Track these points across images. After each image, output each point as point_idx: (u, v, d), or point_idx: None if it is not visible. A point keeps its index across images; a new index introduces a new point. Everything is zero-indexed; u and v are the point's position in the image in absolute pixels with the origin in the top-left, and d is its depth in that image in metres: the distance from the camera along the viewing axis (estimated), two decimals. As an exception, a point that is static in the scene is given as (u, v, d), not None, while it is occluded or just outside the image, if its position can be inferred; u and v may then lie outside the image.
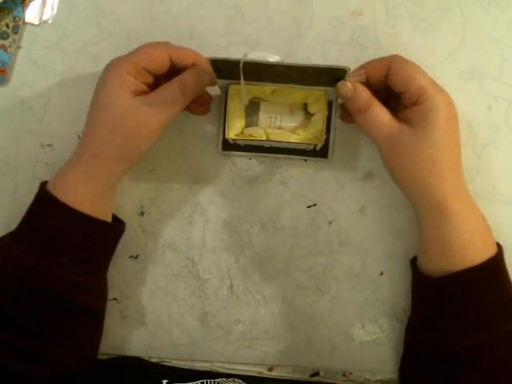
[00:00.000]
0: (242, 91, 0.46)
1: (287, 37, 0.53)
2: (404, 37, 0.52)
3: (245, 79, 0.44)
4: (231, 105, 0.49)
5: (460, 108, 0.50)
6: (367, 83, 0.45)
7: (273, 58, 0.43)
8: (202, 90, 0.48)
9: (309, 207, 0.53)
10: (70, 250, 0.44)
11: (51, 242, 0.44)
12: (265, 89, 0.49)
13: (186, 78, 0.45)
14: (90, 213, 0.44)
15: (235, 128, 0.49)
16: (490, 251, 0.44)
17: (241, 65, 0.41)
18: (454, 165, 0.44)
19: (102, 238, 0.47)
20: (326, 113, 0.49)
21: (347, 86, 0.44)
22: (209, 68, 0.43)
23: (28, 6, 0.54)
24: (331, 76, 0.44)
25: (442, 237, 0.44)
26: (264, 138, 0.49)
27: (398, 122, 0.44)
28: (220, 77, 0.45)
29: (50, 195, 0.44)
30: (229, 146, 0.51)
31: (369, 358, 0.53)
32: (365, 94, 0.44)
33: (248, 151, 0.52)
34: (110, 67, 0.45)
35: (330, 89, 0.46)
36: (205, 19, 0.53)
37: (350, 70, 0.42)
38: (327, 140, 0.50)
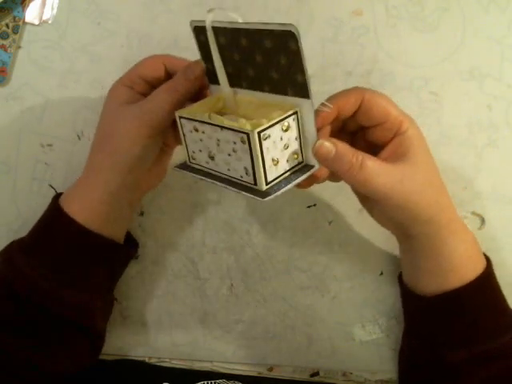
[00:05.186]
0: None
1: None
2: (404, 37, 0.52)
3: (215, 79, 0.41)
4: (204, 100, 0.44)
5: (460, 108, 0.50)
6: (336, 121, 0.42)
7: (236, 19, 0.40)
8: (191, 88, 0.43)
9: (309, 207, 0.53)
10: (77, 268, 0.44)
11: (60, 258, 0.44)
12: (241, 101, 0.43)
13: (173, 78, 0.43)
14: (100, 232, 0.44)
15: (188, 110, 0.43)
16: (481, 265, 0.44)
17: (208, 26, 0.39)
18: (444, 185, 0.44)
19: (111, 258, 0.46)
20: (285, 122, 0.39)
21: (326, 146, 0.39)
22: (199, 69, 0.42)
23: (28, 5, 0.54)
24: (287, 54, 0.37)
25: (446, 256, 0.43)
26: (205, 118, 0.40)
27: (388, 162, 0.41)
28: (212, 81, 0.43)
29: (62, 211, 0.44)
30: (185, 166, 0.45)
31: (369, 357, 0.53)
32: (351, 151, 0.39)
33: (197, 174, 0.43)
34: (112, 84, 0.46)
35: (301, 102, 0.39)
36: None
37: (298, 33, 0.35)
38: (280, 186, 0.40)
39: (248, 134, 0.37)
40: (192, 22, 0.42)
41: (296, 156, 0.41)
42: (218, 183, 0.41)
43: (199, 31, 0.42)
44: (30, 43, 0.54)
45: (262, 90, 0.41)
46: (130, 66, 0.46)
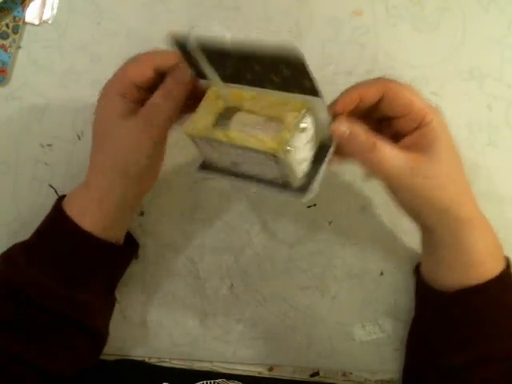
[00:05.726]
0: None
1: (287, 37, 0.53)
2: (404, 37, 0.52)
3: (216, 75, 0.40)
4: (203, 104, 0.42)
5: (460, 108, 0.50)
6: (358, 109, 0.42)
7: (221, 32, 0.38)
8: (185, 90, 0.43)
9: (309, 207, 0.53)
10: (79, 269, 0.44)
11: (61, 260, 0.44)
12: (243, 95, 0.42)
13: (166, 82, 0.43)
14: (102, 236, 0.44)
15: (197, 125, 0.42)
16: (502, 264, 0.44)
17: (191, 41, 0.37)
18: (467, 181, 0.44)
19: (112, 260, 0.47)
20: (302, 124, 0.39)
21: (341, 126, 0.40)
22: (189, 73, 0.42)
23: (28, 5, 0.54)
24: (290, 69, 0.36)
25: (466, 251, 0.43)
26: (223, 138, 0.40)
27: (406, 151, 0.41)
28: (199, 76, 0.42)
29: (64, 214, 0.44)
30: (206, 166, 0.45)
31: (369, 357, 0.53)
32: (365, 132, 0.40)
33: (223, 175, 0.44)
34: (102, 92, 0.45)
35: (311, 99, 0.38)
36: (205, 19, 0.53)
37: (304, 57, 0.34)
38: (311, 176, 0.41)
39: (276, 155, 0.37)
40: (171, 35, 0.38)
41: (314, 143, 0.41)
42: (251, 185, 0.42)
43: (181, 43, 0.39)
44: (30, 43, 0.54)
45: (264, 87, 0.40)
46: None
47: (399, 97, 0.41)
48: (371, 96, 0.41)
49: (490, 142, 0.52)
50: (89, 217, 0.44)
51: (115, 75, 0.44)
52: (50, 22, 0.54)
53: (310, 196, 0.40)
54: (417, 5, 0.52)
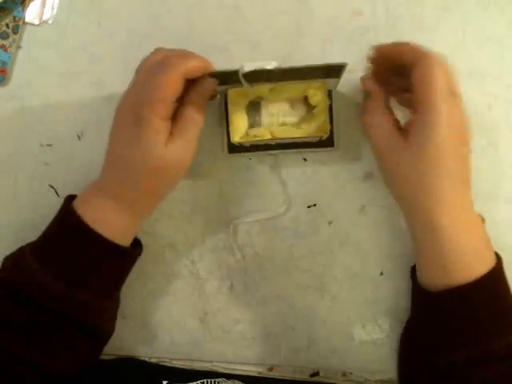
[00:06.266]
0: (249, 92, 0.48)
1: (287, 37, 0.53)
2: (404, 37, 0.51)
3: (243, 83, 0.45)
4: (232, 108, 0.49)
5: (460, 108, 0.50)
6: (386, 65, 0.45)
7: (270, 65, 0.43)
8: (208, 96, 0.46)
9: (309, 207, 0.53)
10: (84, 269, 0.44)
11: (70, 262, 0.44)
12: (262, 88, 0.49)
13: (194, 96, 0.44)
14: (114, 239, 0.44)
15: (239, 131, 0.50)
16: (488, 264, 0.43)
17: (240, 75, 0.43)
18: (453, 178, 0.42)
19: (120, 262, 0.47)
20: (328, 102, 0.49)
21: (362, 81, 0.46)
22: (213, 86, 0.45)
23: (28, 6, 0.54)
24: (328, 70, 0.45)
25: (434, 251, 0.43)
26: (269, 136, 0.50)
27: (400, 132, 0.43)
28: (219, 84, 0.46)
29: (78, 218, 0.44)
30: (235, 148, 0.51)
31: (369, 357, 0.53)
32: (371, 96, 0.44)
33: (254, 151, 0.52)
34: (139, 112, 0.42)
35: (328, 80, 0.46)
36: (205, 19, 0.53)
37: (347, 65, 0.43)
38: (331, 129, 0.50)
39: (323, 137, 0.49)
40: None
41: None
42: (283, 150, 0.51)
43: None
44: (30, 43, 0.54)
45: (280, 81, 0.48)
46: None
47: (422, 83, 0.41)
48: (397, 62, 0.44)
49: (490, 141, 0.52)
50: (107, 224, 0.44)
51: (152, 95, 0.41)
52: (50, 22, 0.54)
53: (336, 146, 0.51)
54: (417, 5, 0.52)
